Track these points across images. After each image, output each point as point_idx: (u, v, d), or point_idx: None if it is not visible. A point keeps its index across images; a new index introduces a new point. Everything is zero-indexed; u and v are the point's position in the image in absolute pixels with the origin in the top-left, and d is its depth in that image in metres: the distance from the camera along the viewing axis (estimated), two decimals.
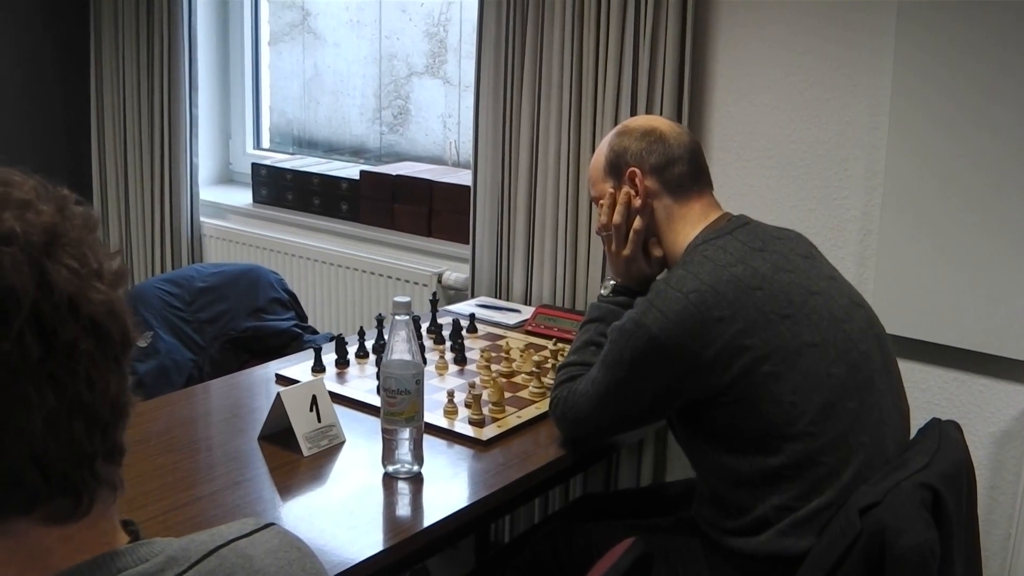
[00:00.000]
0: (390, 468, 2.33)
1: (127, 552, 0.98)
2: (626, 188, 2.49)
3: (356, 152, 4.80)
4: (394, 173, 4.23)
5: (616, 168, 2.51)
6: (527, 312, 3.44)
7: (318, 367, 2.89)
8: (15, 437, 0.89)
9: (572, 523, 2.67)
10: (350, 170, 4.46)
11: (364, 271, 4.15)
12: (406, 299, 2.26)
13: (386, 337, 2.93)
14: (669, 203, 2.47)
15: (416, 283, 3.97)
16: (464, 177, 4.05)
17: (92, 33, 4.96)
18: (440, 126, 4.54)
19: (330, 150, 4.90)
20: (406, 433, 2.30)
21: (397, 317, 2.25)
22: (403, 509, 2.29)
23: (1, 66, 4.91)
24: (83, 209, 0.99)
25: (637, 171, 2.47)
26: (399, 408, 2.27)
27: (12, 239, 0.91)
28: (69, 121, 5.12)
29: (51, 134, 5.09)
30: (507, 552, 2.98)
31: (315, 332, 3.73)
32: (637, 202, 2.47)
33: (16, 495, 0.91)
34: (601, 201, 2.54)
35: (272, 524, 1.13)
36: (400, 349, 2.26)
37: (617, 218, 2.50)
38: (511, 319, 3.39)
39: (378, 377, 2.77)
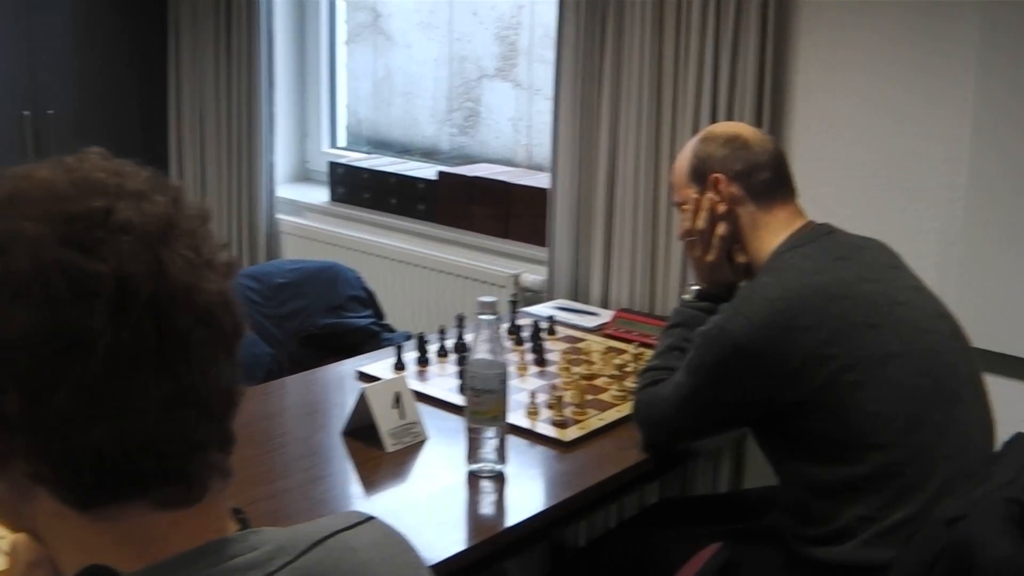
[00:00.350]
0: (474, 466, 2.35)
1: (237, 540, 0.99)
2: (710, 194, 2.48)
3: (427, 153, 4.82)
4: (471, 174, 4.25)
5: (700, 174, 2.51)
6: (605, 315, 3.45)
7: (399, 365, 2.91)
8: (132, 424, 0.91)
9: (651, 527, 2.67)
10: (427, 170, 4.48)
11: (440, 271, 4.17)
12: (492, 299, 2.27)
13: (466, 337, 2.97)
14: (753, 210, 2.47)
15: (493, 284, 3.98)
16: (541, 179, 4.06)
17: (171, 31, 5.02)
18: (510, 129, 4.56)
19: (401, 151, 4.93)
20: (490, 432, 2.31)
21: (483, 317, 2.27)
22: (486, 508, 2.31)
23: (79, 64, 4.96)
24: (196, 201, 1.01)
25: (721, 177, 2.47)
26: (484, 407, 2.29)
27: (130, 228, 0.92)
28: (146, 119, 5.17)
29: (128, 132, 5.14)
30: (583, 555, 2.98)
31: (392, 330, 3.76)
32: (721, 208, 2.47)
33: (131, 481, 0.93)
34: (684, 206, 2.55)
35: (373, 517, 1.14)
36: (485, 349, 2.27)
37: (701, 224, 2.50)
38: (590, 322, 3.40)
39: (459, 376, 2.81)
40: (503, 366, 2.30)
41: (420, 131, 4.89)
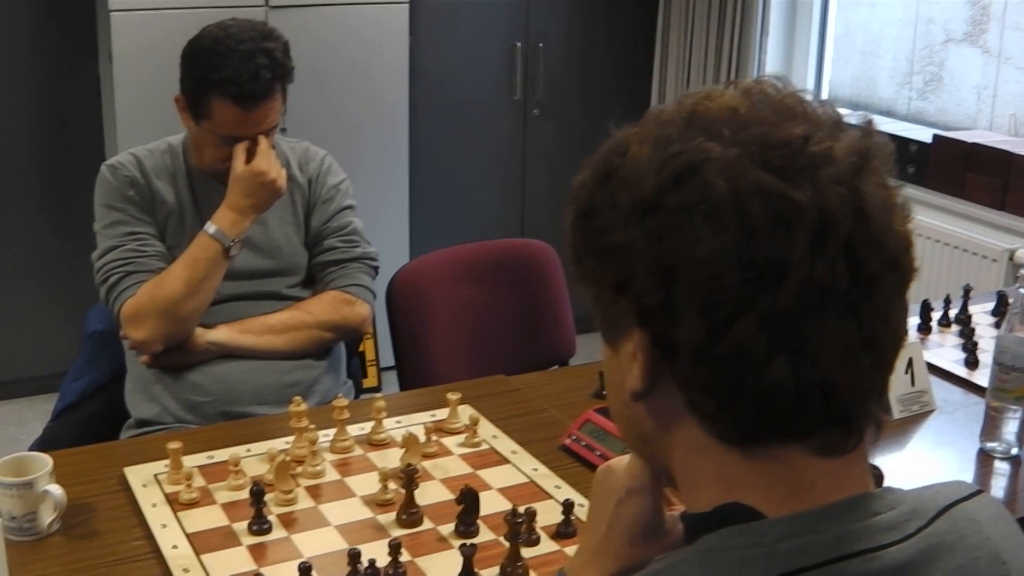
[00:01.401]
0: (988, 445, 2.23)
1: (878, 496, 0.94)
2: None
3: (882, 115, 4.63)
4: (969, 140, 4.04)
5: None
6: None
7: None
8: (811, 363, 0.87)
9: None
10: (920, 132, 4.30)
11: (927, 238, 3.99)
12: None
13: (970, 309, 2.85)
14: None
15: (984, 257, 3.79)
16: None
17: None
18: (974, 97, 4.32)
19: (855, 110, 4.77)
20: (1014, 412, 2.19)
21: (1022, 290, 2.14)
22: (996, 491, 2.18)
23: (572, 1, 5.08)
24: (881, 136, 0.95)
25: None
26: (1012, 386, 2.16)
27: (830, 159, 0.88)
28: (631, 58, 5.24)
29: (612, 70, 5.21)
30: None
31: None
32: None
33: (797, 420, 0.90)
34: None
35: (983, 490, 1.08)
36: (1021, 324, 2.15)
37: None
38: None
39: (963, 348, 2.69)
40: None
41: (876, 92, 4.72)
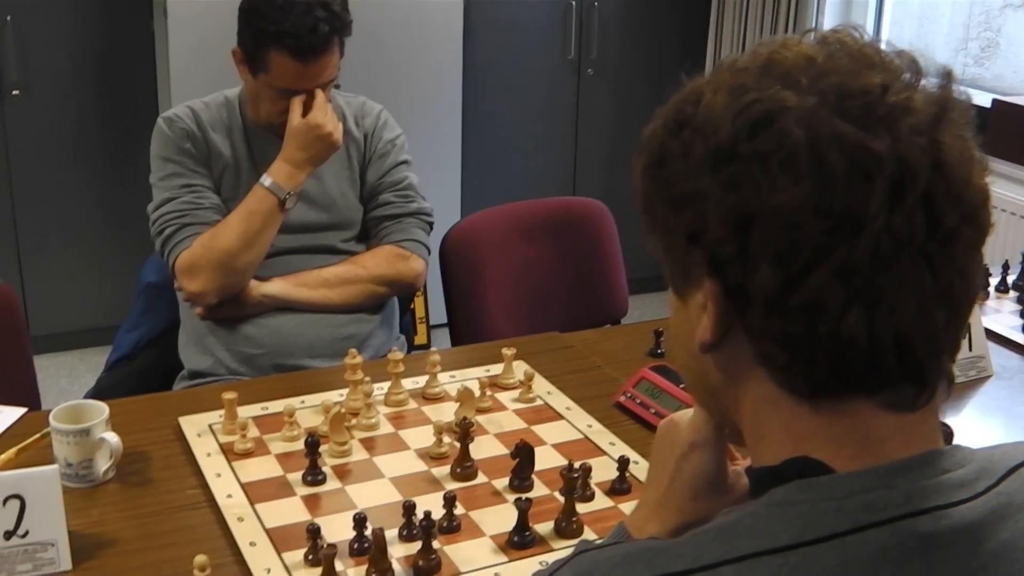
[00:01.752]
0: None
1: (948, 453, 0.93)
2: None
3: None
4: None
5: None
6: None
7: None
8: (887, 316, 0.86)
9: None
10: (980, 96, 4.24)
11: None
12: None
13: None
14: None
15: None
16: None
17: None
18: None
19: None
20: None
21: None
22: None
23: None
24: (959, 89, 0.93)
25: None
26: None
27: (909, 109, 0.87)
28: (688, 20, 5.20)
29: (668, 32, 5.18)
30: None
31: None
32: None
33: (869, 375, 0.89)
34: None
35: None
36: None
37: None
38: None
39: (1021, 315, 2.66)
40: None
41: (932, 57, 4.65)
